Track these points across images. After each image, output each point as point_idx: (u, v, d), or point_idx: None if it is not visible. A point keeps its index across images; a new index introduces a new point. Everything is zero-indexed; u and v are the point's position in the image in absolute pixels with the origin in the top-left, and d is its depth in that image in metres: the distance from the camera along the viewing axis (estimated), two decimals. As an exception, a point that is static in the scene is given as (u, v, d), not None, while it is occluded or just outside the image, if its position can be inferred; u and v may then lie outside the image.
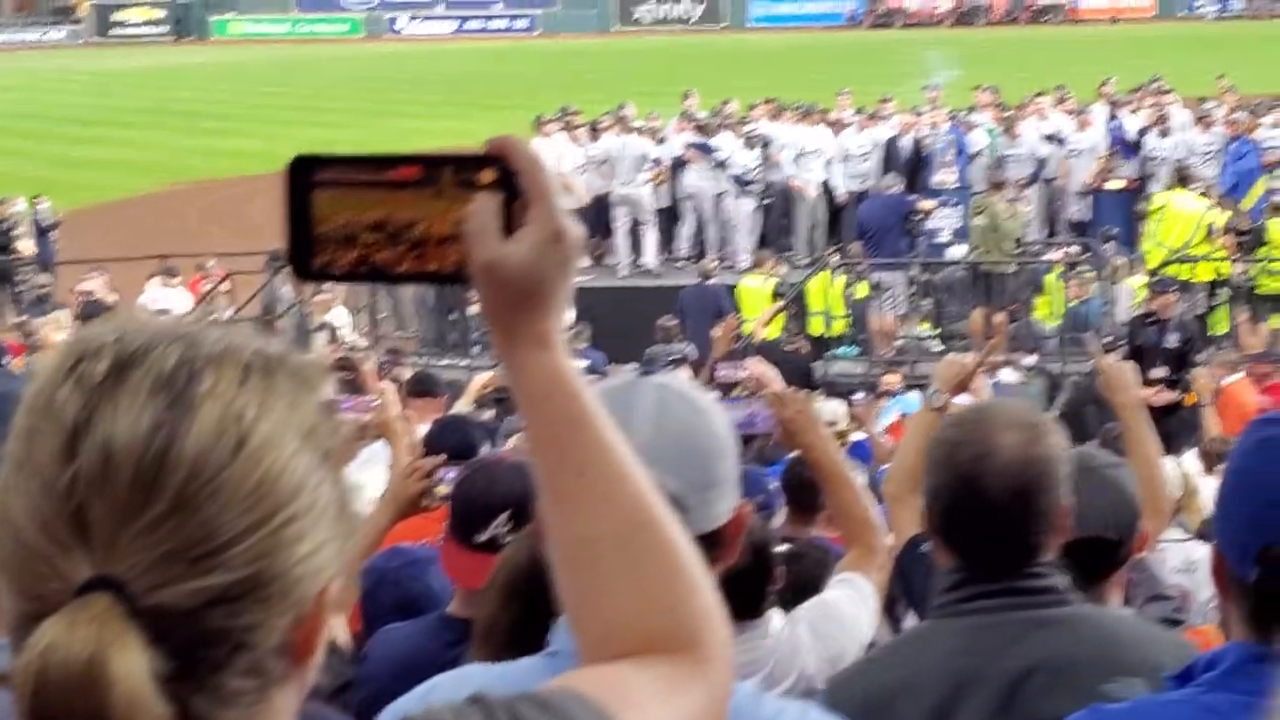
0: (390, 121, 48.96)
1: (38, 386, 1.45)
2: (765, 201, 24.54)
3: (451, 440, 7.15)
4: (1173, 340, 17.24)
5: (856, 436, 13.43)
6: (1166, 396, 16.93)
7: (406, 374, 13.84)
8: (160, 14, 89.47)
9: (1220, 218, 20.39)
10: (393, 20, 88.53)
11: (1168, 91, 26.52)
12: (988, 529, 3.18)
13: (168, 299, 23.09)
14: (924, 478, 3.30)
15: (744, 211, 24.13)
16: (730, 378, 7.76)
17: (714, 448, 2.42)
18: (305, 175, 1.71)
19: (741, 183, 23.84)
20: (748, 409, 4.93)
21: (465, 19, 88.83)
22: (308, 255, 1.71)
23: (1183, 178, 20.90)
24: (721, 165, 23.92)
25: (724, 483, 2.42)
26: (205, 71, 67.90)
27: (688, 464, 2.34)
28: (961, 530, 3.23)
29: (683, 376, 13.61)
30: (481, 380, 12.30)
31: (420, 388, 10.95)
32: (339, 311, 21.15)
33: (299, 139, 44.41)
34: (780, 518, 7.72)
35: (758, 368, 5.73)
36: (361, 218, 1.70)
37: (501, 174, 1.69)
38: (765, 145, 24.37)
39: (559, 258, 1.67)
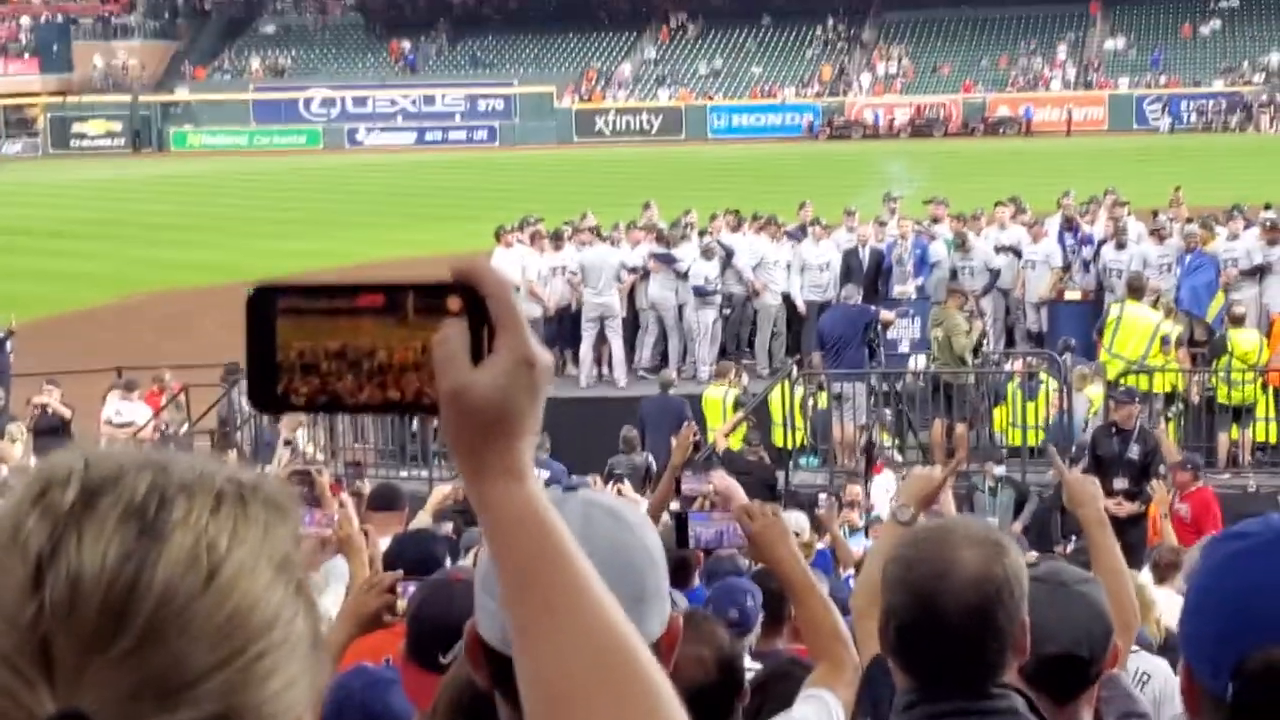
0: (351, 232, 49.06)
1: (2, 515, 1.41)
2: (726, 312, 24.63)
3: (412, 554, 7.10)
4: (1135, 451, 17.28)
5: (820, 545, 13.42)
6: (1129, 508, 16.99)
7: (367, 487, 13.78)
8: (118, 126, 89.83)
9: (1174, 329, 20.50)
10: (352, 131, 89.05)
11: (1124, 203, 26.75)
12: (946, 648, 3.13)
13: (130, 412, 22.99)
14: (880, 596, 3.26)
15: (705, 322, 24.19)
16: (695, 490, 7.71)
17: (643, 562, 2.39)
18: (266, 305, 1.68)
19: (702, 293, 23.92)
20: (717, 524, 4.88)
21: (425, 130, 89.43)
22: (269, 385, 1.68)
23: (1134, 288, 20.93)
24: (684, 276, 24.00)
25: (655, 597, 2.39)
26: (163, 183, 67.99)
27: (617, 580, 2.30)
28: (919, 649, 3.18)
29: (626, 490, 13.58)
30: (442, 492, 12.24)
31: (381, 501, 10.85)
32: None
33: (257, 250, 44.49)
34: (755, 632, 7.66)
35: (722, 481, 5.70)
36: (322, 345, 1.67)
37: (468, 300, 1.66)
38: (727, 256, 24.47)
39: (529, 385, 1.64)
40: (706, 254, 24.12)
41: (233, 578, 1.39)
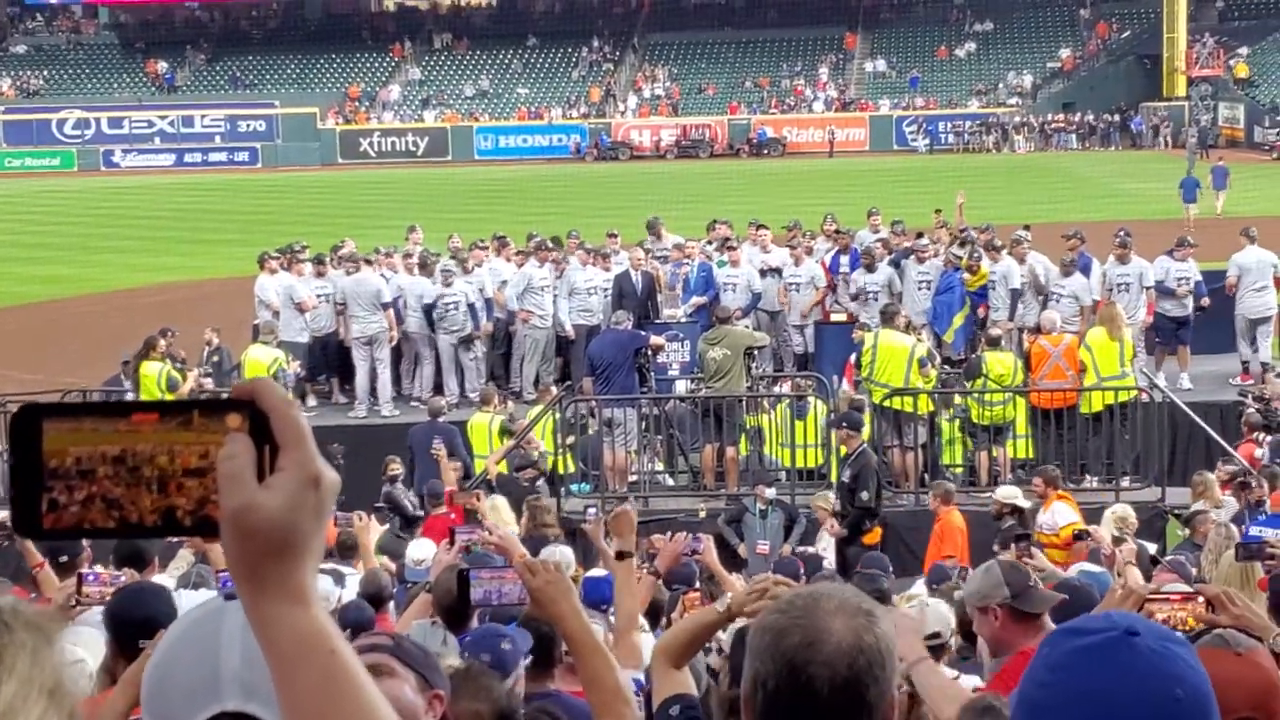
0: (108, 257, 47.96)
1: None
2: (492, 338, 24.51)
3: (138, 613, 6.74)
4: (845, 474, 18.05)
5: (595, 573, 13.22)
6: (837, 530, 17.53)
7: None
8: None
9: (923, 347, 20.81)
10: (108, 153, 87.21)
11: (918, 228, 27.24)
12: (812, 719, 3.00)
13: None
14: (745, 664, 3.09)
15: (444, 349, 24.00)
16: (469, 541, 7.54)
17: None
18: (32, 420, 1.62)
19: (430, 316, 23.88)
20: (489, 584, 4.77)
21: (184, 151, 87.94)
22: (35, 502, 1.60)
23: (887, 315, 21.07)
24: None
25: None
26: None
27: None
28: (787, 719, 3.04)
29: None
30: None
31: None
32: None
33: (10, 276, 43.27)
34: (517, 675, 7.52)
35: (499, 532, 5.56)
36: (99, 450, 1.60)
37: (251, 417, 1.61)
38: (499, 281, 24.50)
39: (315, 506, 1.58)
40: (444, 277, 23.77)
41: (6, 713, 1.31)
